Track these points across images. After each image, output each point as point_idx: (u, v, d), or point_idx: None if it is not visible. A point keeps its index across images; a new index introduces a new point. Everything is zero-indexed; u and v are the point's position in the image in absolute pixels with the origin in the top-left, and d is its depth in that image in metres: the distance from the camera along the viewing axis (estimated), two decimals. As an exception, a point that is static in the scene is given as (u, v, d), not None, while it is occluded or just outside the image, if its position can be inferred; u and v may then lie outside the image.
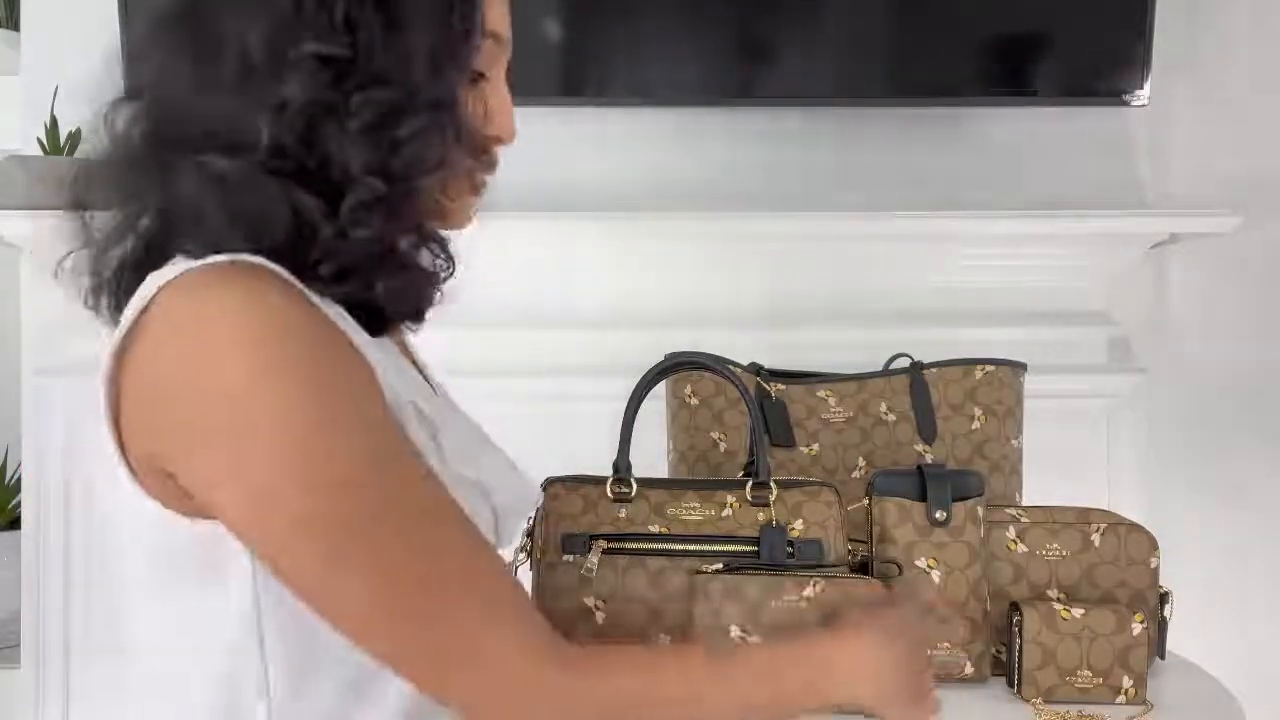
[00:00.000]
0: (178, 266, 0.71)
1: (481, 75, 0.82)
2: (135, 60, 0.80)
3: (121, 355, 0.71)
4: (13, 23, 2.12)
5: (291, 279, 0.72)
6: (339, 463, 0.69)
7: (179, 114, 0.75)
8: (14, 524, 2.22)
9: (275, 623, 0.73)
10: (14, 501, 2.33)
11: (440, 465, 0.77)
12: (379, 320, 0.79)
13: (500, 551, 0.83)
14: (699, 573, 1.05)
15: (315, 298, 0.73)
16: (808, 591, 1.02)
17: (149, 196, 0.76)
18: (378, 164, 0.74)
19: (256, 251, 0.72)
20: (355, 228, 0.74)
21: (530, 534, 1.15)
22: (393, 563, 0.70)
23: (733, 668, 0.84)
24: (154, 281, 0.71)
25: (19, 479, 2.30)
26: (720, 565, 1.06)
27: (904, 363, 1.45)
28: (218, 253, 0.71)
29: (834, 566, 1.07)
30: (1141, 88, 1.99)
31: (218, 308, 0.68)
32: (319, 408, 0.68)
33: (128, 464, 0.73)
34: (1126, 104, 2.02)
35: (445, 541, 0.73)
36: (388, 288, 0.77)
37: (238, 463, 0.68)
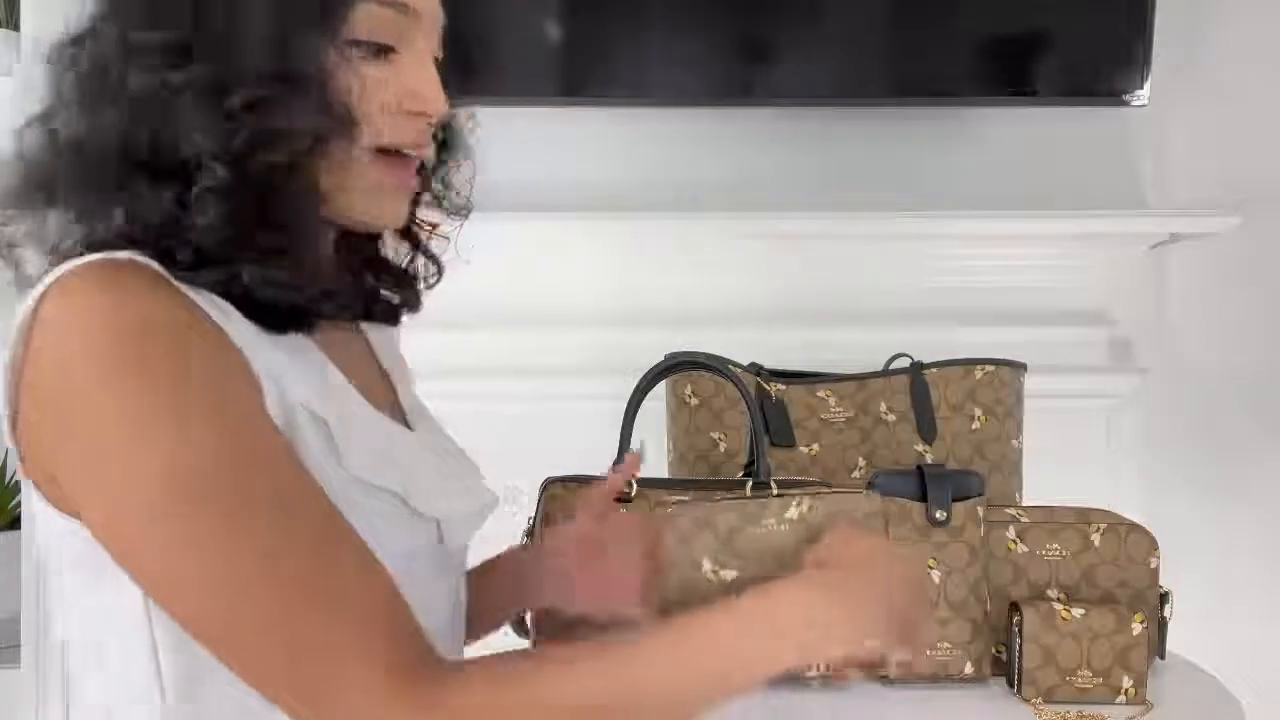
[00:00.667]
0: (61, 267, 0.70)
1: (388, 49, 0.77)
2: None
3: (15, 359, 0.70)
4: (13, 23, 2.12)
5: (165, 274, 0.70)
6: (187, 465, 0.66)
7: (72, 117, 0.76)
8: (14, 524, 2.22)
9: (163, 622, 0.70)
10: (14, 502, 2.33)
11: (335, 471, 0.73)
12: (279, 315, 0.75)
13: (453, 539, 0.83)
14: (660, 504, 0.94)
15: (193, 293, 0.70)
16: (791, 513, 0.90)
17: (45, 200, 0.77)
18: (216, 145, 0.71)
19: (136, 244, 0.71)
20: (201, 213, 0.71)
21: (530, 534, 1.15)
22: (235, 573, 0.66)
23: (647, 650, 0.73)
24: (41, 284, 0.70)
25: (19, 479, 2.30)
26: (689, 496, 0.94)
27: (904, 363, 1.45)
28: (102, 249, 0.71)
29: (819, 483, 0.93)
30: (1141, 88, 1.99)
31: (80, 309, 0.67)
32: (170, 410, 0.66)
33: (26, 466, 0.73)
34: (1126, 104, 2.02)
35: (299, 557, 0.67)
36: (258, 277, 0.72)
37: (90, 465, 0.68)
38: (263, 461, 0.68)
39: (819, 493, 0.91)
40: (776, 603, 0.75)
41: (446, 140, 0.90)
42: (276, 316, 0.74)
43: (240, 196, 0.71)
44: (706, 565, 0.91)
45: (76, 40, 0.77)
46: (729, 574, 0.90)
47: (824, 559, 0.81)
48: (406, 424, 0.88)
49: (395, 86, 0.77)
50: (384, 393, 0.89)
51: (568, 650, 0.73)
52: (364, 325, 0.91)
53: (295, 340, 0.77)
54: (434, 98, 0.78)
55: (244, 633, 0.67)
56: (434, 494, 0.80)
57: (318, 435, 0.73)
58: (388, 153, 0.78)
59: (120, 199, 0.72)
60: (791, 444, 1.40)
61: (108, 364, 0.66)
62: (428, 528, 0.80)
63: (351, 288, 0.83)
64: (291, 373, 0.73)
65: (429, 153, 0.83)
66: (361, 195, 0.78)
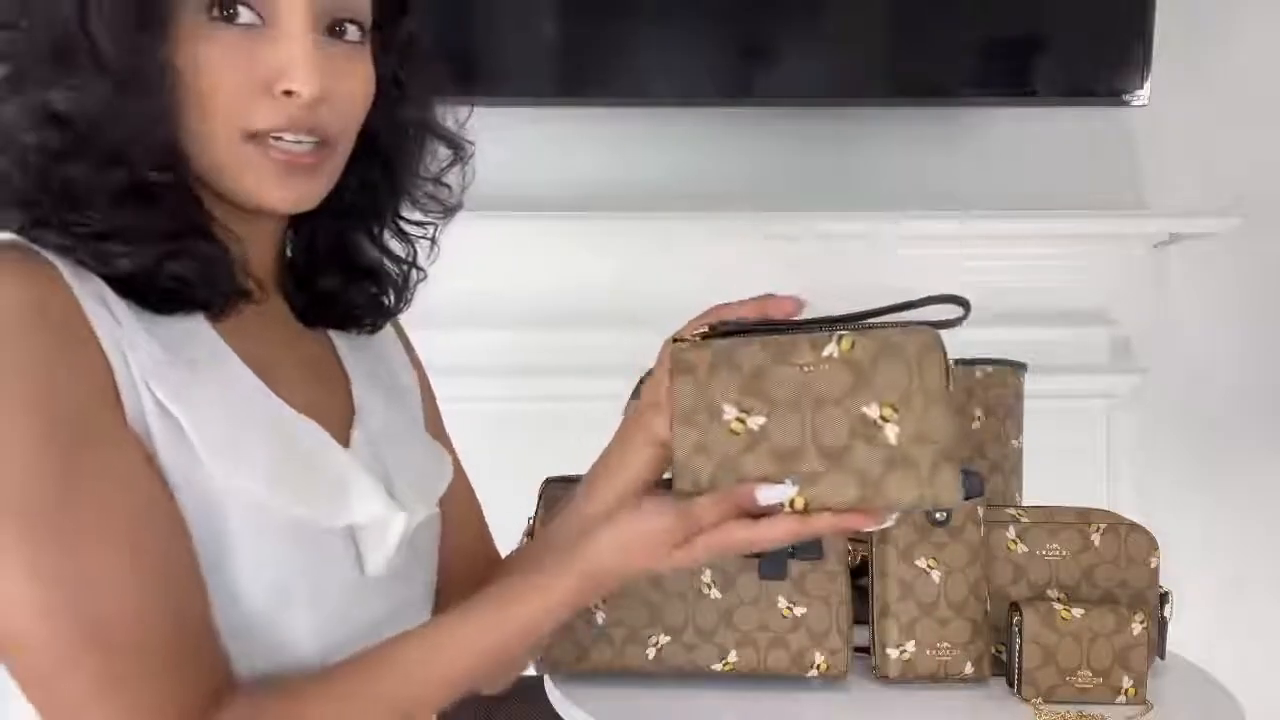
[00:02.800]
0: None
1: (234, 17, 0.69)
2: None
3: None
4: (13, 23, 2.12)
5: (51, 258, 0.67)
6: (8, 458, 0.63)
7: None
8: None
9: None
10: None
11: (193, 469, 0.69)
12: (155, 296, 0.71)
13: (374, 558, 0.77)
14: (678, 340, 0.79)
15: (76, 278, 0.68)
16: (829, 350, 0.74)
17: None
18: (28, 124, 0.68)
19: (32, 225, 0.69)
20: (37, 193, 0.69)
21: (530, 534, 1.15)
22: (13, 595, 0.63)
23: (399, 659, 0.72)
24: None
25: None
26: (705, 329, 0.79)
27: (904, 363, 1.45)
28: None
29: (861, 317, 0.76)
30: (1141, 88, 1.99)
31: None
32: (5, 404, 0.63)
33: None
34: (1126, 104, 2.02)
35: (79, 588, 0.63)
36: (92, 253, 0.69)
37: None
38: (73, 482, 0.64)
39: (861, 327, 0.75)
40: (547, 599, 0.74)
41: (449, 139, 0.86)
42: (153, 297, 0.71)
43: (51, 180, 0.68)
44: (729, 412, 0.75)
45: None
46: (757, 421, 0.74)
47: (605, 562, 0.74)
48: (349, 429, 0.82)
49: (256, 63, 0.70)
50: (328, 396, 0.83)
51: (325, 675, 0.71)
52: (333, 330, 0.87)
53: (188, 331, 0.73)
54: (299, 74, 0.70)
55: (27, 668, 0.64)
56: (336, 504, 0.75)
57: (170, 434, 0.68)
58: (261, 135, 0.71)
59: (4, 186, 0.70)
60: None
61: None
62: (326, 536, 0.75)
63: (225, 265, 0.74)
64: (161, 367, 0.69)
65: (327, 132, 0.74)
66: (235, 177, 0.73)
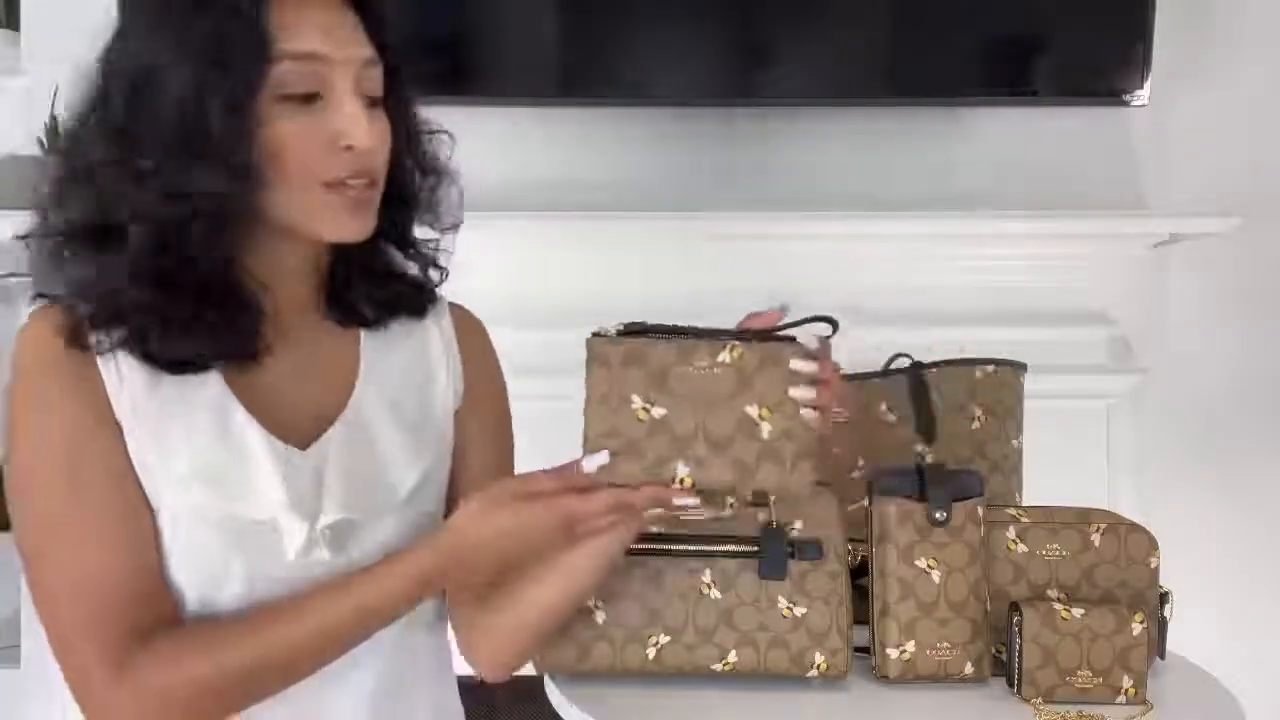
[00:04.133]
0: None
1: (314, 96, 0.90)
2: None
3: None
4: (13, 23, 2.12)
5: (69, 320, 0.89)
6: (19, 462, 0.89)
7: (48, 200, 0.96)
8: (14, 524, 2.22)
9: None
10: (14, 501, 2.33)
11: (158, 465, 0.90)
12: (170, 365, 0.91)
13: (289, 554, 0.92)
14: (597, 335, 0.93)
15: (93, 335, 0.89)
16: (722, 356, 0.91)
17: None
18: (129, 212, 0.88)
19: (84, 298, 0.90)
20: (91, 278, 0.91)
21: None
22: (27, 549, 0.90)
23: (303, 609, 0.90)
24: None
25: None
26: (621, 325, 0.94)
27: (904, 363, 1.45)
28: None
29: (751, 333, 0.93)
30: (1141, 88, 1.99)
31: (16, 342, 0.91)
32: (25, 428, 0.90)
33: None
34: (1126, 104, 2.02)
35: (58, 565, 0.88)
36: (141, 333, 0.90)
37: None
38: (63, 463, 0.88)
39: (750, 340, 0.92)
40: (407, 567, 0.91)
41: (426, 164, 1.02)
42: (162, 363, 0.91)
43: (95, 260, 0.90)
44: (636, 401, 0.90)
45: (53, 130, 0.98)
46: (659, 411, 0.90)
47: (459, 526, 0.92)
48: (326, 427, 0.97)
49: (322, 129, 0.90)
50: (322, 394, 0.99)
51: (243, 616, 0.91)
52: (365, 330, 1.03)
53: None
54: (357, 133, 0.91)
55: (40, 611, 0.90)
56: (251, 501, 0.92)
57: (135, 436, 0.90)
58: (333, 184, 0.91)
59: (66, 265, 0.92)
60: None
61: (8, 392, 0.90)
62: (254, 528, 0.92)
63: (237, 327, 0.93)
64: (140, 398, 0.90)
65: (376, 174, 0.94)
66: (315, 218, 0.92)
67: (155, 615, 0.89)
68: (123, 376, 0.90)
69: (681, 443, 0.90)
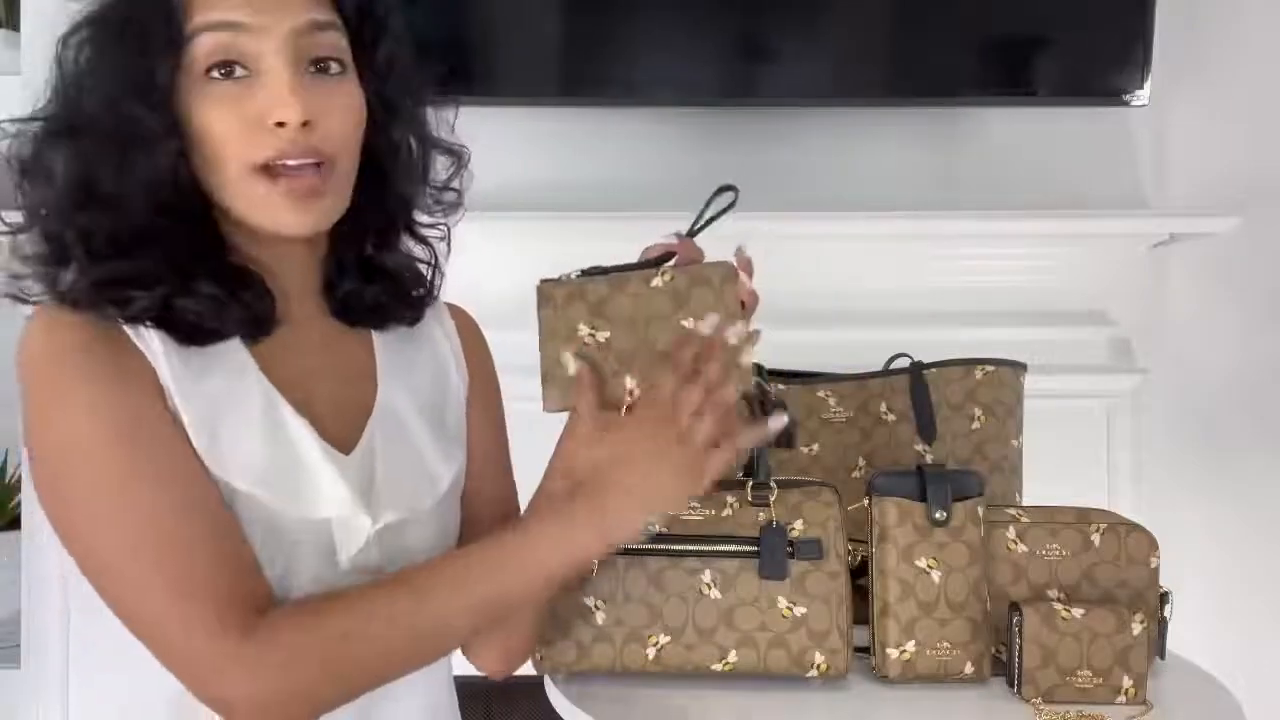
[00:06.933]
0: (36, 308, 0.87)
1: (233, 64, 0.83)
2: None
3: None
4: (13, 23, 2.12)
5: (92, 310, 0.83)
6: (68, 448, 0.82)
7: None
8: (14, 524, 2.22)
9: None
10: (14, 501, 2.33)
11: (210, 458, 0.84)
12: (184, 331, 0.86)
13: (343, 553, 0.88)
14: (545, 281, 1.01)
15: (109, 320, 0.83)
16: (656, 282, 0.98)
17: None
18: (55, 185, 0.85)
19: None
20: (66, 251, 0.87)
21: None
22: (99, 542, 0.82)
23: (452, 569, 0.86)
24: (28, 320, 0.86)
25: (19, 479, 2.30)
26: (577, 272, 1.01)
27: (904, 363, 1.45)
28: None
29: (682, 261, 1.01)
30: (1141, 88, 1.99)
31: (25, 338, 0.84)
32: (63, 408, 0.82)
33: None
34: (1126, 104, 2.02)
35: (142, 525, 0.80)
36: (137, 305, 0.84)
37: (33, 464, 0.85)
38: (129, 439, 0.81)
39: (679, 267, 1.00)
40: (536, 540, 0.87)
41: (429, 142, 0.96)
42: (175, 334, 0.85)
43: (62, 239, 0.85)
44: (583, 330, 0.97)
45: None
46: (604, 335, 0.97)
47: (570, 469, 0.93)
48: (361, 428, 0.93)
49: (249, 104, 0.83)
50: (353, 395, 0.95)
51: (371, 587, 0.84)
52: (375, 330, 0.99)
53: (222, 350, 0.87)
54: (287, 107, 0.82)
55: (107, 575, 0.82)
56: (307, 501, 0.87)
57: (191, 430, 0.84)
58: (270, 167, 0.84)
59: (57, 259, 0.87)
60: (791, 444, 1.40)
61: (32, 379, 0.83)
62: (301, 527, 0.86)
63: (247, 299, 0.88)
64: (180, 382, 0.84)
65: (323, 153, 0.85)
66: (252, 209, 0.85)
67: (254, 584, 0.83)
68: (154, 352, 0.84)
69: (628, 358, 0.97)
